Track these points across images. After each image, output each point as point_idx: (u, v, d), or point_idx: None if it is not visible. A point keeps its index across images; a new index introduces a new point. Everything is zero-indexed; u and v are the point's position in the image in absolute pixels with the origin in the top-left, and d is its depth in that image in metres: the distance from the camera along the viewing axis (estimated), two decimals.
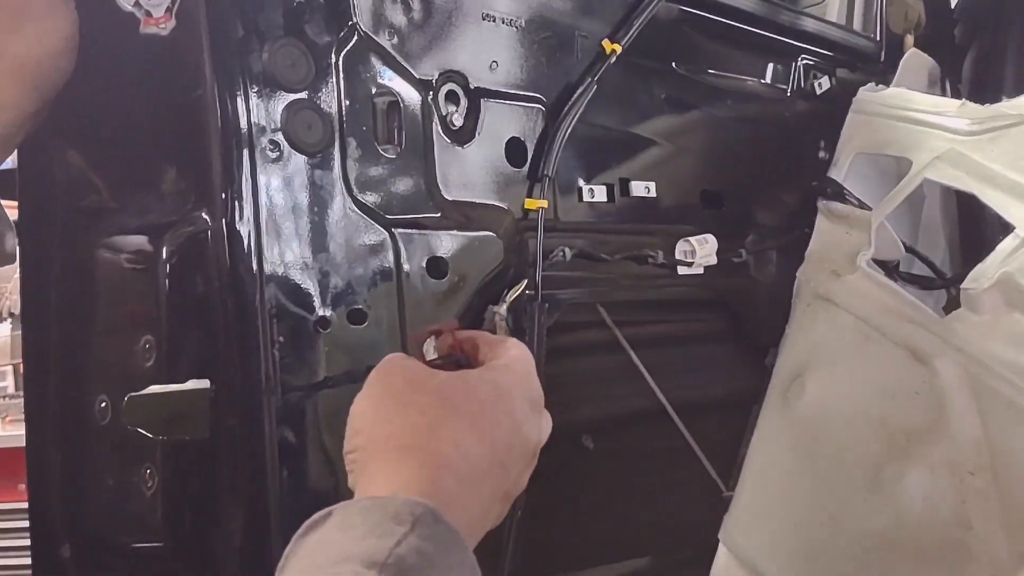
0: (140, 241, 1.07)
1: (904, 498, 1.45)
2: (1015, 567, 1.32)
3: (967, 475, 1.38)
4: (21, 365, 3.23)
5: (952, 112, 1.62)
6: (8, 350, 3.21)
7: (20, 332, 1.26)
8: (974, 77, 2.17)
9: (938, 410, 1.44)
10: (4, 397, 3.19)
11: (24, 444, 1.25)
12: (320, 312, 1.02)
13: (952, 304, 1.59)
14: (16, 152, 1.11)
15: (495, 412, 0.66)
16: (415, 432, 0.62)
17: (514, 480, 0.67)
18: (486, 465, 0.63)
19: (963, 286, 1.43)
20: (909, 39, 2.03)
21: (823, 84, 1.80)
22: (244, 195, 0.98)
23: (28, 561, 1.31)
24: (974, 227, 1.94)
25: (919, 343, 1.48)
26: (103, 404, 1.10)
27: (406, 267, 1.11)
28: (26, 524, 1.32)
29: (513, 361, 0.74)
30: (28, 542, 1.27)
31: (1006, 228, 1.43)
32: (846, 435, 1.56)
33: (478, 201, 1.22)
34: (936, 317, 1.48)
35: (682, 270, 1.51)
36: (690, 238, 1.50)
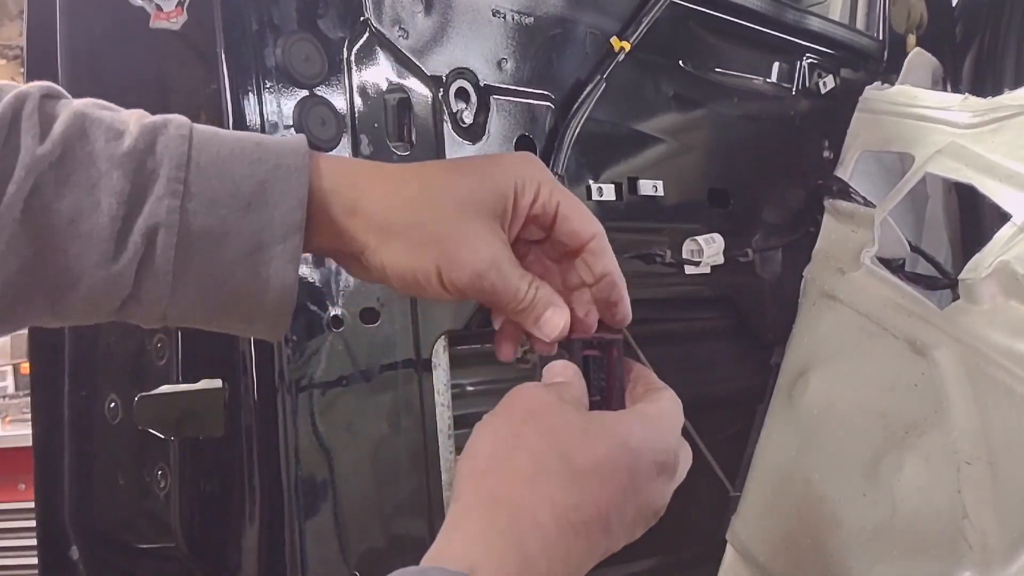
0: None
1: (901, 489, 1.45)
2: (1006, 555, 1.32)
3: (963, 464, 1.38)
4: (22, 365, 3.22)
5: (955, 106, 1.62)
6: (8, 350, 3.20)
7: (24, 331, 1.25)
8: (974, 75, 2.17)
9: (936, 401, 1.43)
10: (4, 397, 3.18)
11: (25, 444, 1.24)
12: (333, 311, 1.02)
13: None
14: None
15: (614, 471, 0.60)
16: (514, 483, 0.59)
17: (619, 540, 0.62)
18: (583, 527, 0.59)
19: (961, 276, 1.43)
20: (911, 39, 2.03)
21: (827, 83, 1.80)
22: None
23: (28, 561, 1.30)
24: (974, 223, 1.95)
25: (919, 335, 1.48)
26: (112, 404, 1.09)
27: None
28: (26, 524, 1.31)
29: (657, 415, 0.66)
30: (28, 542, 1.26)
31: (1004, 219, 1.43)
32: (847, 430, 1.55)
33: None
34: (936, 309, 1.48)
35: (689, 269, 1.50)
36: (697, 237, 1.50)
